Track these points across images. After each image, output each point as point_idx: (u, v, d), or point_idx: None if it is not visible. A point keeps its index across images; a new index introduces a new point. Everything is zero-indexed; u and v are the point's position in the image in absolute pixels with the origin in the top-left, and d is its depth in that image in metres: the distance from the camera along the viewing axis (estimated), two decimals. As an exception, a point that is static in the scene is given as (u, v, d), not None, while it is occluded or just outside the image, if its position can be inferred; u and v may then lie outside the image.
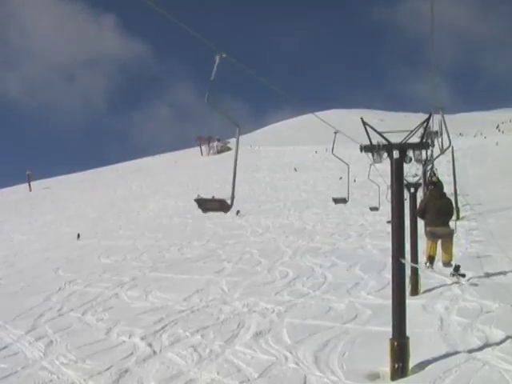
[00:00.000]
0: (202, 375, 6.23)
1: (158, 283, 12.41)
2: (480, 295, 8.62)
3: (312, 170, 54.18)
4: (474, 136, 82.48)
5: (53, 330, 8.92)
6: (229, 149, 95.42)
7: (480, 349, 6.07)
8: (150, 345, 7.56)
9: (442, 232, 10.25)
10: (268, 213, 27.54)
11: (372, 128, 5.61)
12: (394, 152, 5.60)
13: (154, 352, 7.24)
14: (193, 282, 12.11)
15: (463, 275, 9.67)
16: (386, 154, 5.74)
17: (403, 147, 5.62)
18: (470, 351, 6.02)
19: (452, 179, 25.04)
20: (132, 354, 7.24)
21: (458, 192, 24.07)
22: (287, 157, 73.51)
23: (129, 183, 63.72)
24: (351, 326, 7.70)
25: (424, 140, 5.94)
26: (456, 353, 5.98)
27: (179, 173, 68.13)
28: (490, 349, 6.02)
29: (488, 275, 10.22)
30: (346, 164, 7.69)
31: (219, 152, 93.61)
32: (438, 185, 11.61)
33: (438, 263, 10.70)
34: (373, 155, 5.81)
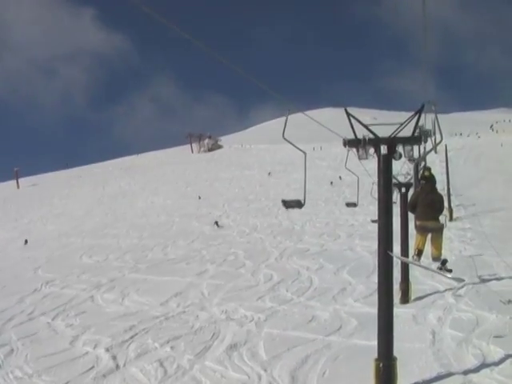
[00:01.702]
0: (162, 397, 5.59)
1: (137, 285, 11.97)
2: (475, 305, 8.04)
3: (303, 168, 53.46)
4: (468, 135, 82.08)
5: (18, 336, 8.48)
6: (220, 146, 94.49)
7: (476, 370, 5.46)
8: (114, 357, 6.96)
9: (431, 226, 10.03)
10: (256, 211, 26.90)
11: (357, 120, 4.94)
12: (382, 147, 4.95)
13: (117, 366, 6.63)
14: (173, 285, 11.64)
15: (450, 270, 9.34)
16: (372, 150, 5.08)
17: (392, 142, 4.97)
18: (465, 372, 5.41)
19: (445, 178, 24.44)
20: (93, 367, 6.65)
21: (451, 192, 23.48)
22: (278, 155, 72.70)
23: (118, 180, 62.86)
24: (334, 338, 7.08)
25: (415, 134, 5.26)
26: (449, 374, 5.38)
27: (169, 170, 67.29)
28: (487, 370, 5.41)
29: (483, 281, 9.66)
30: (303, 152, 6.96)
31: (210, 150, 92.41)
32: (430, 179, 11.26)
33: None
34: (358, 151, 5.15)
